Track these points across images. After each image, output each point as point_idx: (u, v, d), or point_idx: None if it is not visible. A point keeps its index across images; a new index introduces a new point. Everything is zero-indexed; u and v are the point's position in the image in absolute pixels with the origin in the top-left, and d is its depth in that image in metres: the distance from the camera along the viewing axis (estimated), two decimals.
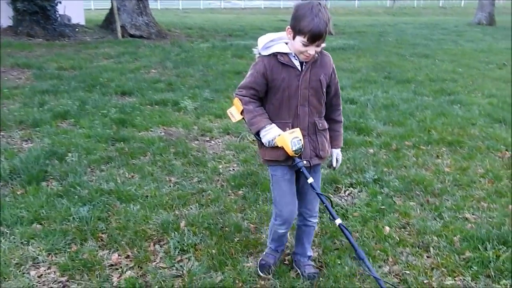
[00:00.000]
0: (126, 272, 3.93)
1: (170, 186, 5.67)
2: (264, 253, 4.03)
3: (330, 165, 3.75)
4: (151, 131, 7.68)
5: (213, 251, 4.22)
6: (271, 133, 3.30)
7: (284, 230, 3.74)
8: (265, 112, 3.38)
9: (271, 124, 3.33)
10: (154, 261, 4.11)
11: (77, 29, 19.94)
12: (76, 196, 5.18)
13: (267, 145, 3.35)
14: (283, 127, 3.32)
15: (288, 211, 3.60)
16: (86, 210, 4.86)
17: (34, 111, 8.32)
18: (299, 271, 3.89)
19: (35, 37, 17.58)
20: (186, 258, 4.16)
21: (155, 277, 3.84)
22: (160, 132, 7.67)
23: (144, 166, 6.15)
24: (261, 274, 3.86)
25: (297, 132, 3.28)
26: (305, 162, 3.41)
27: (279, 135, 3.28)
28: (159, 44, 17.92)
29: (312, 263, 3.98)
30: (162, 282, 3.77)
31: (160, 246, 4.36)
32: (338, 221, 3.36)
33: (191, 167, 6.27)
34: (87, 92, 9.89)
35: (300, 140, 3.26)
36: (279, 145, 3.29)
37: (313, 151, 3.47)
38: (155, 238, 4.48)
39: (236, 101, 3.42)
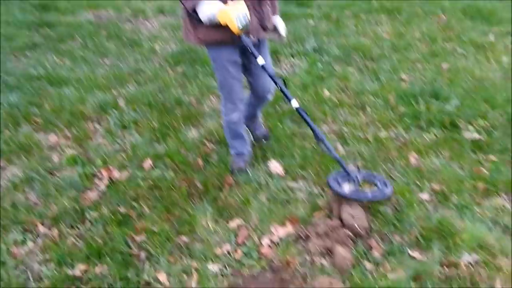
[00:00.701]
0: (67, 151, 3.85)
1: (105, 68, 5.45)
2: (231, 160, 3.63)
3: (278, 35, 3.29)
4: (78, 15, 7.20)
5: (155, 124, 4.18)
6: (210, 7, 2.80)
7: (238, 116, 3.38)
8: None
9: None
10: (95, 139, 4.04)
11: None
12: (3, 84, 4.89)
13: (207, 23, 2.86)
14: None
15: (237, 93, 3.30)
16: (16, 96, 4.63)
17: None
18: (250, 133, 3.82)
19: None
20: (127, 133, 4.11)
21: (98, 153, 3.79)
22: (89, 16, 7.21)
23: (74, 50, 5.84)
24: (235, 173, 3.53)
25: (241, 5, 2.82)
26: (253, 38, 3.02)
27: (221, 10, 2.80)
28: None
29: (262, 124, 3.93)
30: (105, 157, 3.73)
31: (100, 125, 4.27)
32: (294, 103, 3.07)
33: (126, 49, 6.01)
34: None
35: (246, 14, 2.83)
36: (222, 23, 2.83)
37: (258, 24, 3.05)
38: (93, 117, 4.37)
39: None
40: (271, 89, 3.47)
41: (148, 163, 3.63)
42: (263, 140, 3.86)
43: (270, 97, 3.56)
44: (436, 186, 3.34)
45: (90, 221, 3.06)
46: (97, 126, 4.25)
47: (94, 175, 3.54)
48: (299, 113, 3.08)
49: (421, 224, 2.99)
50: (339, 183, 3.00)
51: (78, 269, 2.67)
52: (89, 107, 4.51)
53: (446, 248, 2.82)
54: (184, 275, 2.67)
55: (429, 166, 3.56)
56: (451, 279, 2.60)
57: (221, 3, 2.82)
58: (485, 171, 3.49)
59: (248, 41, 2.97)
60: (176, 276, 2.66)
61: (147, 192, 3.31)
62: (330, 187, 3.00)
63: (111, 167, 3.58)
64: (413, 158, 3.65)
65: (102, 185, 3.40)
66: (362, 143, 3.87)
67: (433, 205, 3.19)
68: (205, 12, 2.81)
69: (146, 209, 3.16)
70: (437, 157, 3.69)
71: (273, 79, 3.08)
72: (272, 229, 2.96)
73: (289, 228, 2.98)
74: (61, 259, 2.75)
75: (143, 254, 2.80)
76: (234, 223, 3.04)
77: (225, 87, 3.27)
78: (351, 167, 3.10)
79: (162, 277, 2.62)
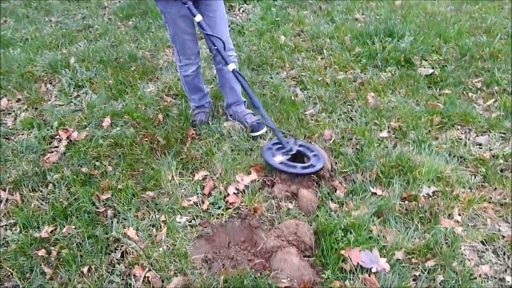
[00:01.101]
0: (21, 115, 3.73)
1: (51, 26, 5.21)
2: (191, 113, 3.59)
3: None
4: None
5: (110, 82, 4.07)
6: None
7: (193, 69, 3.30)
8: None
9: None
10: (49, 100, 3.92)
11: None
12: None
13: None
14: None
15: (191, 48, 3.21)
16: None
17: None
18: (241, 123, 3.43)
19: None
20: (82, 93, 4.00)
21: (53, 114, 3.68)
22: None
23: (15, 9, 5.54)
24: (197, 126, 3.47)
25: None
26: None
27: None
28: None
29: (250, 110, 3.52)
30: (61, 118, 3.63)
31: (53, 86, 4.12)
32: (232, 66, 2.96)
33: (72, 5, 5.75)
34: None
35: None
36: None
37: None
38: (45, 78, 4.22)
39: None
40: (230, 44, 3.22)
41: (107, 121, 3.56)
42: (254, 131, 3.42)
43: (234, 57, 3.29)
44: (394, 124, 3.42)
45: (52, 183, 3.01)
46: (50, 87, 4.10)
47: (52, 137, 3.46)
48: (236, 76, 3.00)
49: (381, 161, 3.07)
50: (273, 153, 2.99)
51: (45, 231, 2.65)
52: (39, 68, 4.33)
53: (406, 183, 2.92)
54: (153, 229, 2.69)
55: (386, 105, 3.63)
56: (411, 212, 2.71)
57: None
58: (440, 105, 3.59)
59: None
60: (145, 230, 2.68)
61: (108, 151, 3.27)
62: (263, 156, 3.00)
63: (69, 128, 3.49)
64: (371, 97, 3.71)
65: (62, 146, 3.33)
66: (321, 86, 3.89)
67: (392, 142, 3.28)
68: None
69: (109, 167, 3.12)
70: (394, 95, 3.76)
71: (208, 37, 2.92)
72: (238, 178, 2.99)
73: (254, 176, 3.01)
74: (26, 222, 2.71)
75: (110, 212, 2.79)
76: (199, 175, 3.05)
77: (177, 41, 3.18)
78: (288, 139, 3.07)
79: (131, 232, 2.63)
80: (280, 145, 3.02)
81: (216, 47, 2.92)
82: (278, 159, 2.94)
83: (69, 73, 4.20)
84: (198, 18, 2.88)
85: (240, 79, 2.99)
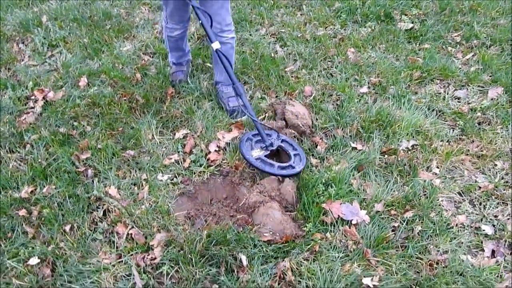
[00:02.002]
0: None
1: None
2: (169, 71, 3.51)
3: None
4: None
5: (85, 40, 3.96)
6: None
7: (179, 33, 3.17)
8: None
9: None
10: (22, 61, 3.80)
11: None
12: None
13: None
14: None
15: (181, 16, 3.06)
16: None
17: None
18: (222, 104, 3.26)
19: None
20: (57, 52, 3.88)
21: (28, 74, 3.58)
22: None
23: None
24: (176, 84, 3.38)
25: None
26: None
27: None
28: None
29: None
30: (36, 78, 3.54)
31: (25, 45, 3.99)
32: (215, 45, 2.76)
33: None
34: None
35: None
36: None
37: None
38: (17, 38, 4.07)
39: None
40: (226, 24, 2.98)
41: (83, 81, 3.48)
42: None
43: (230, 38, 3.06)
44: (374, 79, 3.42)
45: (30, 144, 2.96)
46: (22, 46, 3.97)
47: (28, 98, 3.37)
48: (218, 55, 2.77)
49: (361, 116, 3.09)
50: (252, 146, 2.81)
51: (25, 191, 2.62)
52: (10, 27, 4.18)
53: (386, 137, 2.96)
54: (135, 187, 2.69)
55: (366, 60, 3.63)
56: (391, 165, 2.76)
57: None
58: (420, 59, 3.60)
59: None
60: (126, 189, 2.67)
61: (86, 110, 3.21)
62: (239, 147, 2.82)
63: (44, 88, 3.41)
64: (351, 53, 3.69)
65: (38, 107, 3.26)
66: (301, 43, 3.86)
67: (372, 98, 3.29)
68: None
69: (88, 127, 3.08)
70: (374, 50, 3.75)
71: (194, 9, 2.72)
72: (219, 136, 2.98)
73: (235, 133, 3.01)
74: (5, 183, 2.68)
75: (90, 171, 2.76)
76: (179, 133, 3.03)
77: (168, 6, 3.01)
78: (270, 131, 2.87)
79: (113, 191, 2.62)
80: (259, 135, 2.82)
81: (200, 21, 2.73)
82: (256, 153, 2.75)
83: (41, 32, 4.07)
84: None
85: (223, 60, 2.77)
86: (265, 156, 2.74)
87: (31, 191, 2.64)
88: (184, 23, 3.15)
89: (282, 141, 2.84)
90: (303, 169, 2.70)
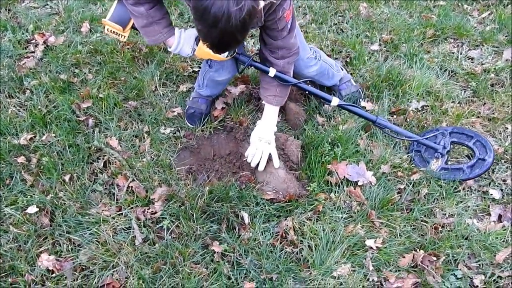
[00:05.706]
0: None
1: None
2: (191, 98, 2.85)
3: None
4: None
5: None
6: (182, 45, 2.30)
7: (229, 77, 2.64)
8: (163, 14, 2.23)
9: (173, 31, 2.28)
10: (23, 2, 3.65)
11: None
12: None
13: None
14: None
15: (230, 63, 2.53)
16: None
17: None
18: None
19: None
20: None
21: (28, 17, 3.44)
22: None
23: None
24: (189, 125, 2.76)
25: (192, 32, 2.31)
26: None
27: (196, 48, 2.31)
28: None
29: None
30: (37, 21, 3.39)
31: None
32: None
33: None
34: None
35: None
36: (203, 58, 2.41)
37: None
38: None
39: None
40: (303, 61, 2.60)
41: (85, 26, 3.36)
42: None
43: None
44: (386, 36, 3.30)
45: (30, 90, 2.88)
46: None
47: (28, 42, 3.26)
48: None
49: (371, 75, 3.00)
50: (424, 157, 2.53)
51: (24, 138, 2.57)
52: None
53: (395, 97, 2.87)
54: (136, 140, 2.63)
55: (379, 16, 3.49)
56: (400, 125, 2.68)
57: (192, 33, 2.29)
58: (434, 17, 3.46)
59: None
60: (128, 140, 2.62)
61: (88, 58, 3.11)
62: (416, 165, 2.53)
63: (45, 32, 3.29)
64: (363, 8, 3.55)
65: (38, 51, 3.16)
66: None
67: (383, 56, 3.18)
68: (179, 50, 2.32)
69: (89, 75, 2.99)
70: (387, 5, 3.60)
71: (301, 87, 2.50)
72: (224, 91, 2.89)
73: (241, 88, 2.92)
74: (3, 129, 2.62)
75: (91, 121, 2.70)
76: (183, 87, 2.95)
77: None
78: (435, 130, 2.60)
79: (114, 142, 2.57)
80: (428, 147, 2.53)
81: (307, 91, 2.55)
82: (435, 165, 2.48)
83: None
84: None
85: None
86: (445, 163, 2.49)
87: (30, 138, 2.59)
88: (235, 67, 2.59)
89: (451, 133, 2.56)
90: (494, 156, 2.44)
